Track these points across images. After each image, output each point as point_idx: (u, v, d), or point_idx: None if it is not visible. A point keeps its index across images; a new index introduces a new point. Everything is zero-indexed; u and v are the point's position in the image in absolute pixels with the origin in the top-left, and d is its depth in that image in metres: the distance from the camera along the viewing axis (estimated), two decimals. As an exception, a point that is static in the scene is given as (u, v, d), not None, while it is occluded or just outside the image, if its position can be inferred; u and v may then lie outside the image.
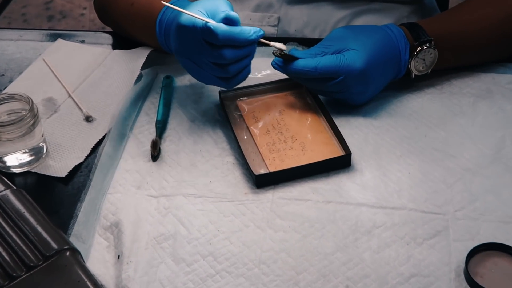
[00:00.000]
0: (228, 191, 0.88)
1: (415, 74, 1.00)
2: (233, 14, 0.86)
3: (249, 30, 0.87)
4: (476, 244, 0.77)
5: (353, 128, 0.96)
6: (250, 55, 0.91)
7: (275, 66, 0.94)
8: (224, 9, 0.88)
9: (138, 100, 1.03)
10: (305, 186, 0.88)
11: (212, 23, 0.85)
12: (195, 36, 0.87)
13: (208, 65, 0.89)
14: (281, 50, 0.92)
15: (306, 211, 0.84)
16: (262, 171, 0.89)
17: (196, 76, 0.93)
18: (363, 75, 0.93)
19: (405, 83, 1.02)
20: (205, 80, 0.93)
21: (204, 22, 0.86)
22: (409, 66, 0.98)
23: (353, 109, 0.99)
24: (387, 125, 0.96)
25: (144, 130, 0.98)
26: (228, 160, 0.92)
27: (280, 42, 0.93)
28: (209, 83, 0.93)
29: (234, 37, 0.86)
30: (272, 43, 0.92)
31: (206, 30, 0.85)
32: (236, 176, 0.90)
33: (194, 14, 0.86)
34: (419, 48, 0.97)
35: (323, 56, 0.94)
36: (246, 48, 0.88)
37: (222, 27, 0.85)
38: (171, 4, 0.92)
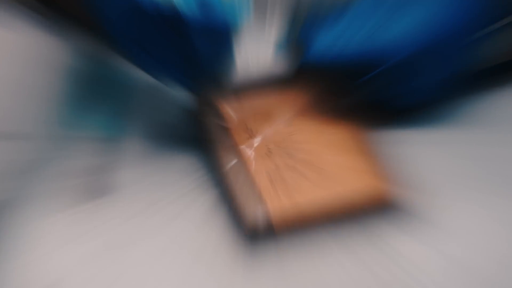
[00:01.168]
0: (208, 247, 0.83)
1: (496, 63, 0.95)
2: None
3: (233, 9, 0.84)
4: None
5: (400, 146, 0.91)
6: (235, 44, 0.88)
7: (278, 54, 0.93)
8: None
9: (68, 105, 0.98)
10: (328, 240, 0.83)
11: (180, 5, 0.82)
12: (156, 22, 0.83)
13: (172, 59, 0.86)
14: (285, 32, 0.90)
15: (331, 281, 0.79)
16: (260, 214, 0.83)
17: (153, 73, 0.89)
18: (411, 66, 0.89)
19: (482, 76, 0.97)
20: (167, 79, 0.89)
21: (170, 4, 0.82)
22: (485, 50, 0.93)
23: (398, 117, 0.94)
24: (453, 140, 0.92)
25: (79, 152, 0.93)
26: (205, 198, 0.88)
27: (282, 18, 0.91)
28: (173, 85, 0.89)
29: (212, 24, 0.83)
30: (267, 25, 0.91)
31: (173, 16, 0.82)
32: (218, 223, 0.85)
33: None
34: (499, 22, 0.91)
35: (349, 37, 0.90)
36: (228, 35, 0.85)
37: (195, 12, 0.82)
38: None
